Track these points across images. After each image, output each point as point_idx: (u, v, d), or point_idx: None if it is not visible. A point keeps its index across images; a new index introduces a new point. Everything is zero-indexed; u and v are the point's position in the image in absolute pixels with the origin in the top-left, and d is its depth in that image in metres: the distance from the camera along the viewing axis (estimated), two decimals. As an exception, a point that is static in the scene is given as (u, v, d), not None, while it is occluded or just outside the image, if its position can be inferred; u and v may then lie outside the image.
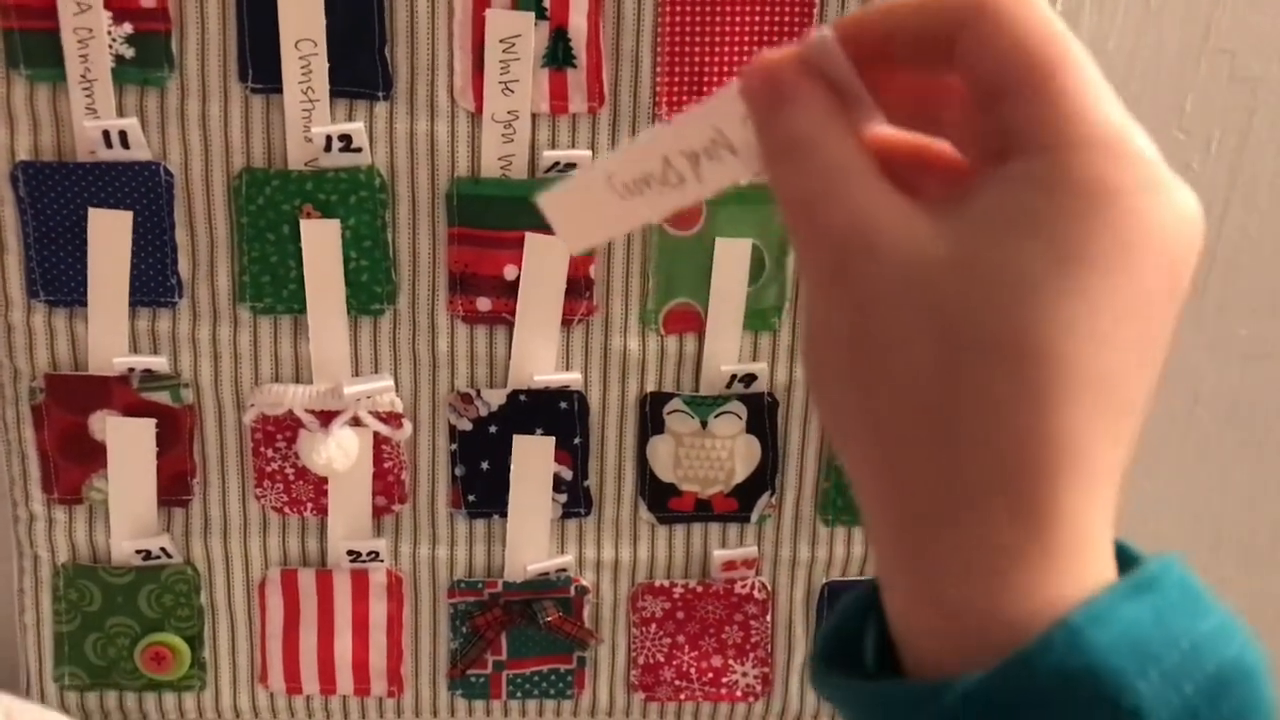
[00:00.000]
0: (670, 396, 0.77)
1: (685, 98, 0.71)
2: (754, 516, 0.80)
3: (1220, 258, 0.81)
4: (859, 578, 0.81)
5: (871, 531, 0.27)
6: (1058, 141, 0.25)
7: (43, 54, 0.68)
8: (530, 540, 0.79)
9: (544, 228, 0.72)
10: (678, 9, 0.69)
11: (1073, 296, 0.24)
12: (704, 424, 0.78)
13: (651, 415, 0.77)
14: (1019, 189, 0.25)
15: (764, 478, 0.79)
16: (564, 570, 0.80)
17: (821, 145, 0.26)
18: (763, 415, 0.78)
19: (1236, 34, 0.76)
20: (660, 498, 0.79)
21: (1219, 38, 0.76)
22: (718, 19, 0.70)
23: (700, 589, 0.81)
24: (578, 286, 0.74)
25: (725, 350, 0.76)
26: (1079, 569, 0.24)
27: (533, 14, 0.69)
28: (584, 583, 0.80)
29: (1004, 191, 0.25)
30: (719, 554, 0.80)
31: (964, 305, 0.24)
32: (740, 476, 0.79)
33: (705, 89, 0.71)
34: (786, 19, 0.70)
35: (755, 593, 0.81)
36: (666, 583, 0.81)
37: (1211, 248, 0.81)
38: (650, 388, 0.77)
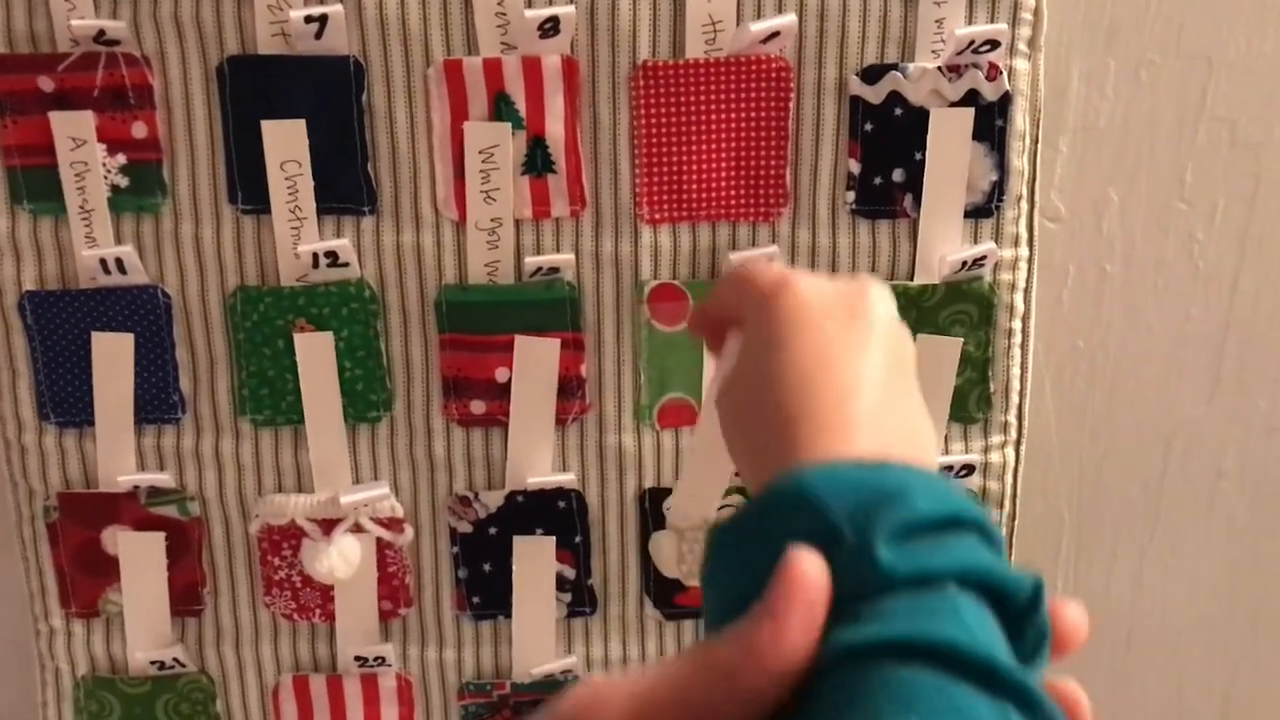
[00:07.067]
0: (669, 492, 0.76)
1: (665, 196, 0.71)
2: (762, 610, 0.78)
3: (1234, 328, 0.79)
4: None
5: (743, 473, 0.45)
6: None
7: (43, 188, 0.71)
8: (536, 641, 0.79)
9: (533, 330, 0.73)
10: (652, 110, 0.70)
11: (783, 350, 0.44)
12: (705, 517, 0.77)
13: (651, 511, 0.77)
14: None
15: (770, 570, 0.78)
16: (570, 671, 0.79)
17: None
18: (764, 507, 0.76)
19: (1235, 100, 0.74)
20: (666, 594, 0.78)
21: (1217, 106, 0.74)
22: (692, 117, 0.70)
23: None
24: (570, 386, 0.75)
25: (722, 444, 0.75)
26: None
27: (509, 124, 0.70)
28: (593, 681, 0.80)
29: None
30: (727, 650, 0.79)
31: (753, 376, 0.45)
32: (746, 570, 0.78)
33: (684, 186, 0.71)
34: (760, 116, 0.70)
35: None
36: (677, 679, 0.79)
37: (1224, 318, 0.79)
38: (648, 484, 0.76)
